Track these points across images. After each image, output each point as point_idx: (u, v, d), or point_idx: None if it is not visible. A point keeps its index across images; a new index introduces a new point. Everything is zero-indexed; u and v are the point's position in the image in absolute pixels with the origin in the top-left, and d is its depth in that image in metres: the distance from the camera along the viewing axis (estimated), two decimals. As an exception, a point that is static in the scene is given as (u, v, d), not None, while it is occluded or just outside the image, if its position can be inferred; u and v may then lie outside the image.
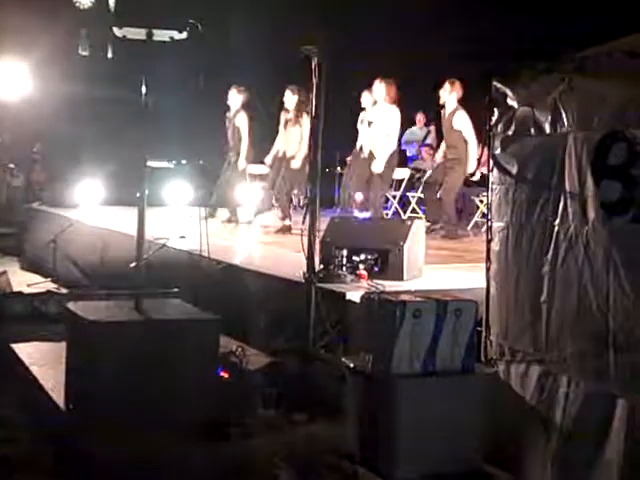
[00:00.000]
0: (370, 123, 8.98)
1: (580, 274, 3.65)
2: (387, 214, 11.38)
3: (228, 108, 10.22)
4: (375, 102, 8.96)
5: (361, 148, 9.24)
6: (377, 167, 8.60)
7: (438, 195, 9.36)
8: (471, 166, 8.99)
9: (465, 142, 8.92)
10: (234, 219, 10.02)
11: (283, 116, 9.80)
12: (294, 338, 5.10)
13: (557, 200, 3.81)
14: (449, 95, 9.02)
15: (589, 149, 3.64)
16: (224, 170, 10.31)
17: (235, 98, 10.10)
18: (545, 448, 3.71)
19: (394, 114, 8.68)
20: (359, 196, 8.82)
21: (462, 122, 8.93)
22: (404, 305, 3.81)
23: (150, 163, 4.67)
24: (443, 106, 9.18)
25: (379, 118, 8.77)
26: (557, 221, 3.80)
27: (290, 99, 9.60)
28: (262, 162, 10.26)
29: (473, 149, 8.87)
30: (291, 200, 10.08)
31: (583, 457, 3.56)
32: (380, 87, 8.72)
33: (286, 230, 9.08)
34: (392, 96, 8.69)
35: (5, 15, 12.67)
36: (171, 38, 4.59)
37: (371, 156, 8.80)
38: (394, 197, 11.28)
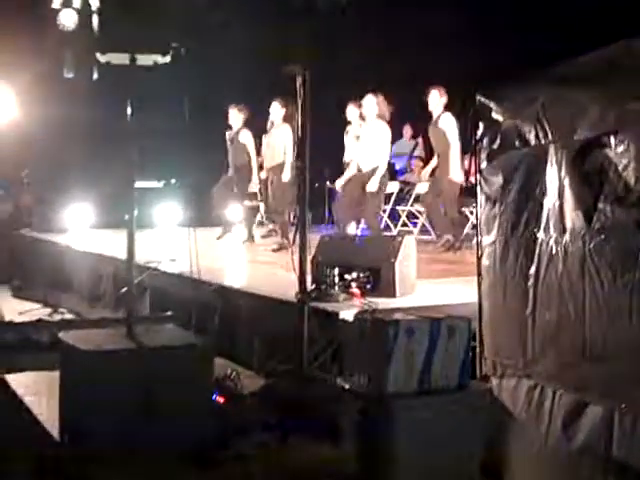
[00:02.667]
0: (358, 137, 8.95)
1: (559, 285, 3.66)
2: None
3: (229, 127, 10.23)
4: (364, 116, 8.95)
5: (348, 163, 9.22)
6: (371, 186, 8.50)
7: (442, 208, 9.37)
8: (454, 169, 8.93)
9: (448, 145, 8.90)
10: (251, 238, 10.02)
11: (269, 129, 9.85)
12: (288, 359, 5.08)
13: (539, 212, 3.83)
14: (438, 101, 9.01)
15: (568, 159, 3.65)
16: (221, 188, 10.32)
17: (236, 117, 10.10)
18: (534, 462, 3.71)
19: (384, 130, 8.67)
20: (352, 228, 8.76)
21: (447, 123, 8.91)
22: (397, 324, 3.80)
23: (138, 184, 4.65)
24: (431, 115, 9.18)
25: (369, 134, 8.74)
26: (540, 233, 3.82)
27: (277, 111, 9.62)
28: None
29: (455, 152, 8.84)
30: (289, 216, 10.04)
31: (565, 467, 3.56)
32: (371, 101, 8.69)
33: (284, 248, 8.99)
34: (382, 111, 8.67)
35: (-12, 39, 12.66)
36: (154, 62, 4.59)
37: (360, 172, 8.78)
38: (384, 211, 11.27)
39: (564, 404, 3.59)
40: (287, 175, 9.37)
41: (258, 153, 10.18)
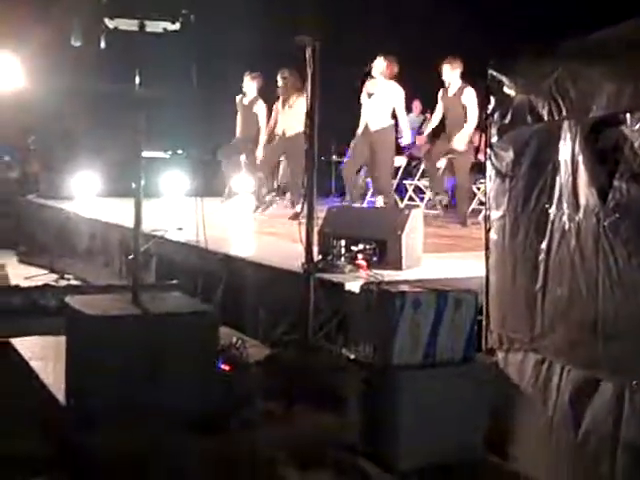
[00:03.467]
0: (370, 95, 8.88)
1: (572, 261, 3.67)
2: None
3: (243, 94, 10.14)
4: (374, 77, 8.90)
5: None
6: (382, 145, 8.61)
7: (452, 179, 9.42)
8: (461, 143, 8.93)
9: (466, 120, 8.90)
10: (262, 206, 9.96)
11: (281, 97, 9.82)
12: (294, 329, 5.09)
13: (552, 188, 3.82)
14: (452, 72, 8.98)
15: (582, 135, 3.64)
16: (230, 156, 10.27)
17: (249, 85, 10.03)
18: (539, 436, 3.73)
19: (396, 90, 8.66)
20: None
21: (470, 98, 8.89)
22: (404, 296, 3.81)
23: (145, 154, 4.64)
24: (445, 85, 9.14)
25: (380, 92, 8.71)
26: (552, 209, 3.81)
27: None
28: None
29: (470, 127, 8.85)
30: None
31: (572, 444, 3.57)
32: (380, 62, 8.67)
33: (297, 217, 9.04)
34: (390, 72, 8.64)
35: (-3, 6, 12.61)
36: (164, 29, 4.56)
37: (366, 130, 8.74)
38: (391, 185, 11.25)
39: (572, 380, 3.59)
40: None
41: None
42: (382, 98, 8.67)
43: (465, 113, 8.95)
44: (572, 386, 3.59)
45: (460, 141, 8.92)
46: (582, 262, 3.59)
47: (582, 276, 3.59)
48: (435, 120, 9.56)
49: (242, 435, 3.99)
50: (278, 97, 9.99)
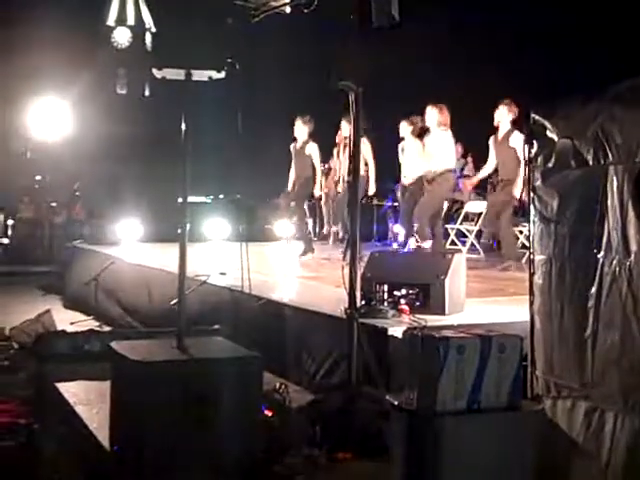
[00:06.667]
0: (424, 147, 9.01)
1: (623, 307, 3.59)
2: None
3: (294, 140, 10.21)
4: (427, 128, 8.99)
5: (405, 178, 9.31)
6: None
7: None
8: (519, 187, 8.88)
9: (518, 162, 8.87)
10: (309, 250, 10.09)
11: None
12: (336, 374, 5.08)
13: (600, 233, 3.76)
14: (507, 116, 8.98)
15: (630, 180, 3.59)
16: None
17: (301, 129, 10.07)
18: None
19: (447, 139, 8.72)
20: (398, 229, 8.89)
21: (518, 141, 8.89)
22: (447, 341, 3.76)
23: (189, 199, 4.69)
24: (496, 128, 9.14)
25: (432, 144, 8.79)
26: (601, 254, 3.75)
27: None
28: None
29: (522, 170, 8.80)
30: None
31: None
32: (432, 112, 8.73)
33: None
34: (444, 120, 8.70)
35: (45, 54, 12.95)
36: (210, 78, 4.64)
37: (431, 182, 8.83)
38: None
39: (628, 428, 3.51)
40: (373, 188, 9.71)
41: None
42: (435, 148, 8.76)
43: (512, 155, 8.93)
44: (628, 434, 3.50)
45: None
46: (634, 308, 3.52)
47: (635, 322, 3.52)
48: (489, 167, 9.51)
49: (285, 482, 3.97)
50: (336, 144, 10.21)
